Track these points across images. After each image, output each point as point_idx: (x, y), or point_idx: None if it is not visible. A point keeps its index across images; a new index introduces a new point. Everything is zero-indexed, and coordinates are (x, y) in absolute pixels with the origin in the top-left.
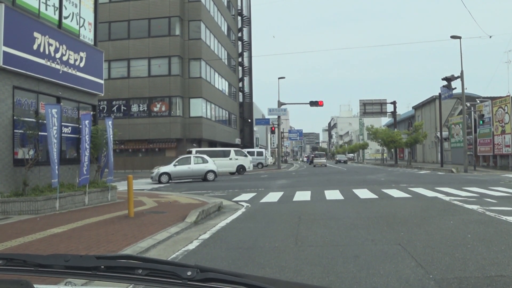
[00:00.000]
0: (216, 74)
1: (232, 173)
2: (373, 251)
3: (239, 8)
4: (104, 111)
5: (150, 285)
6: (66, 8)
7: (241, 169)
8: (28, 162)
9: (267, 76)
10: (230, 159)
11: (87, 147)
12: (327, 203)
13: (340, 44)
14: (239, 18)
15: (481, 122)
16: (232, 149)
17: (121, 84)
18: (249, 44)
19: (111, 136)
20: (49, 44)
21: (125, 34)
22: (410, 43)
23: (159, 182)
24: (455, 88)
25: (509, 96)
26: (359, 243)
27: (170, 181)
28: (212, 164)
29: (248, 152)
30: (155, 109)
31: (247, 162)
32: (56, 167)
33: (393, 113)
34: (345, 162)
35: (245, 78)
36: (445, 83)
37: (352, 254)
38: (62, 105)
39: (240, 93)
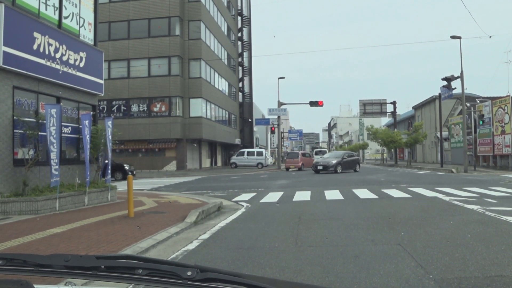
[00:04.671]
0: (216, 74)
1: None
2: (373, 251)
3: (239, 8)
4: (104, 111)
5: (150, 285)
6: (66, 8)
7: None
8: (28, 162)
9: (267, 76)
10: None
11: (88, 147)
12: (327, 203)
13: (340, 44)
14: (239, 18)
15: (481, 122)
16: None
17: (121, 84)
18: (249, 44)
19: (110, 136)
20: (49, 44)
21: (125, 34)
22: (410, 43)
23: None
24: (455, 88)
25: (509, 96)
26: (359, 243)
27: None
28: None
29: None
30: (155, 109)
31: None
32: (52, 167)
33: (393, 113)
34: None
35: (245, 78)
36: (445, 83)
37: (352, 254)
38: (62, 105)
39: (240, 93)
